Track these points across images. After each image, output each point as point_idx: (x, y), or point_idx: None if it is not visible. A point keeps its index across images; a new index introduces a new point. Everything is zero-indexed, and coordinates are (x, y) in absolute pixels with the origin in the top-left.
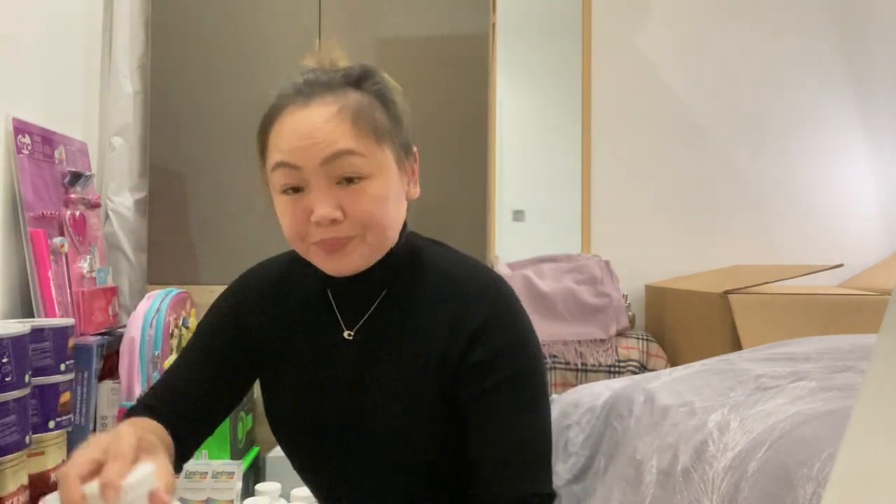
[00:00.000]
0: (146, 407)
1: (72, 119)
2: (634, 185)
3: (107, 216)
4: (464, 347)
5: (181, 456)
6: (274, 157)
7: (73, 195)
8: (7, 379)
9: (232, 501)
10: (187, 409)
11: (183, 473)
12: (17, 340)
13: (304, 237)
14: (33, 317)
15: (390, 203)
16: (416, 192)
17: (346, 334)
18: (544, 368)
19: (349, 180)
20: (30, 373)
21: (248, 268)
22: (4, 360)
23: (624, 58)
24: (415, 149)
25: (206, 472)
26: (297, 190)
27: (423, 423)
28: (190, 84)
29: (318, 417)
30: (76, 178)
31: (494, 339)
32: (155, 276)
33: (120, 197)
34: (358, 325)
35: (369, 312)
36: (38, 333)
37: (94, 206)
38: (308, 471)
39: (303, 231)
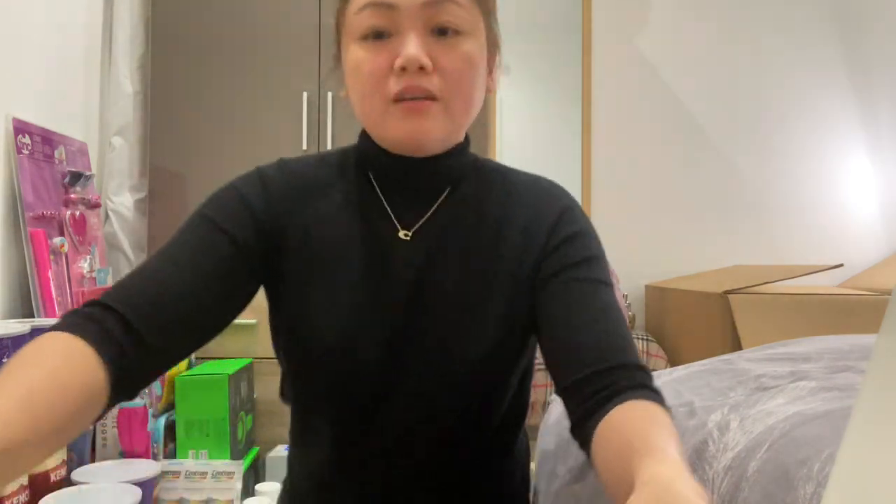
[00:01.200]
0: (86, 315)
1: (72, 119)
2: (634, 185)
3: (107, 216)
4: (548, 233)
5: (137, 371)
6: None
7: (73, 195)
8: None
9: (232, 501)
10: (161, 307)
11: (183, 473)
12: (17, 340)
13: (382, 89)
14: (33, 317)
15: (479, 73)
16: (494, 85)
17: (402, 234)
18: None
19: (443, 32)
20: None
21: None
22: (5, 360)
23: (624, 58)
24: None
25: (206, 473)
26: (380, 36)
27: (492, 337)
28: (190, 84)
29: (366, 335)
30: (76, 178)
31: (578, 220)
32: None
33: (120, 197)
34: (417, 226)
35: (430, 212)
36: (38, 333)
37: (94, 206)
38: (330, 411)
39: (382, 80)
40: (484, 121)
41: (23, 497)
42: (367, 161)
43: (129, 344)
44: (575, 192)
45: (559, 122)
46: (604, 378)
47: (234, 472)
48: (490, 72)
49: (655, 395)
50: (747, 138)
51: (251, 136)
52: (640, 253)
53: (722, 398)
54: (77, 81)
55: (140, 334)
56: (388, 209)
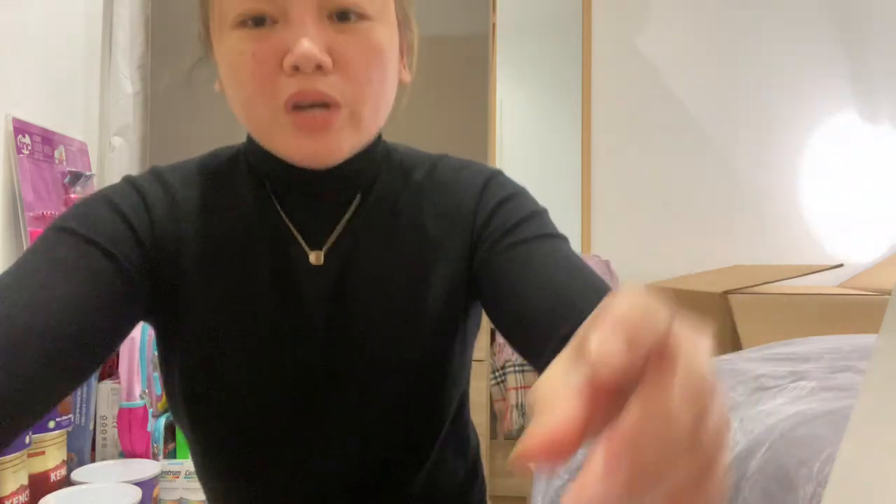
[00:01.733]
0: None
1: (72, 119)
2: (634, 185)
3: None
4: (473, 211)
5: None
6: None
7: (73, 195)
8: None
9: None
10: (17, 348)
11: (183, 473)
12: None
13: (269, 93)
14: None
15: (390, 65)
16: (408, 75)
17: (311, 257)
18: None
19: (344, 16)
20: None
21: (152, 166)
22: None
23: (624, 58)
24: (414, 23)
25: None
26: (261, 22)
27: (428, 342)
28: (190, 84)
29: (276, 382)
30: (76, 178)
31: (505, 186)
32: None
33: None
34: (328, 245)
35: (341, 225)
36: None
37: None
38: (233, 455)
39: (268, 82)
40: (484, 121)
41: (23, 497)
42: (261, 170)
43: None
44: (575, 191)
45: (559, 122)
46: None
47: None
48: (402, 57)
49: None
50: (747, 138)
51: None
52: (640, 252)
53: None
54: (77, 81)
55: None
56: (292, 228)
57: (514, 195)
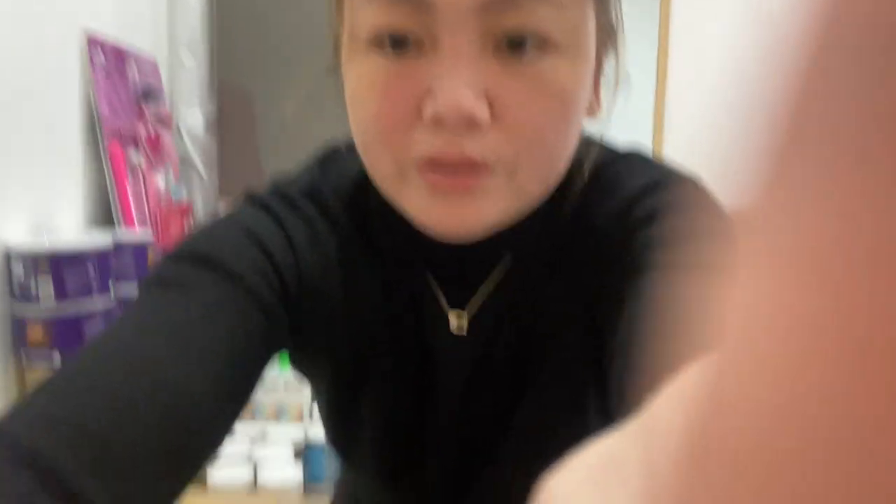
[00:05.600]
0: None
1: (141, 33)
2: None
3: (178, 133)
4: (610, 242)
5: None
6: None
7: (145, 112)
8: (93, 290)
9: (301, 408)
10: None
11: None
12: (101, 254)
13: (400, 145)
14: (114, 226)
15: (573, 116)
16: (598, 107)
17: (454, 327)
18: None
19: (516, 46)
20: (114, 284)
21: (278, 178)
22: (90, 273)
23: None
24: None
25: (278, 381)
26: (401, 44)
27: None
28: None
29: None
30: (148, 94)
31: (660, 196)
32: (226, 194)
33: (190, 113)
34: (472, 315)
35: (489, 294)
36: (120, 247)
37: (166, 123)
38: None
39: (399, 131)
40: None
41: None
42: (387, 231)
43: None
44: (645, 133)
45: (631, 42)
46: None
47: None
48: (595, 87)
49: None
50: None
51: (321, 52)
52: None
53: None
54: None
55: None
56: (436, 293)
57: (665, 208)
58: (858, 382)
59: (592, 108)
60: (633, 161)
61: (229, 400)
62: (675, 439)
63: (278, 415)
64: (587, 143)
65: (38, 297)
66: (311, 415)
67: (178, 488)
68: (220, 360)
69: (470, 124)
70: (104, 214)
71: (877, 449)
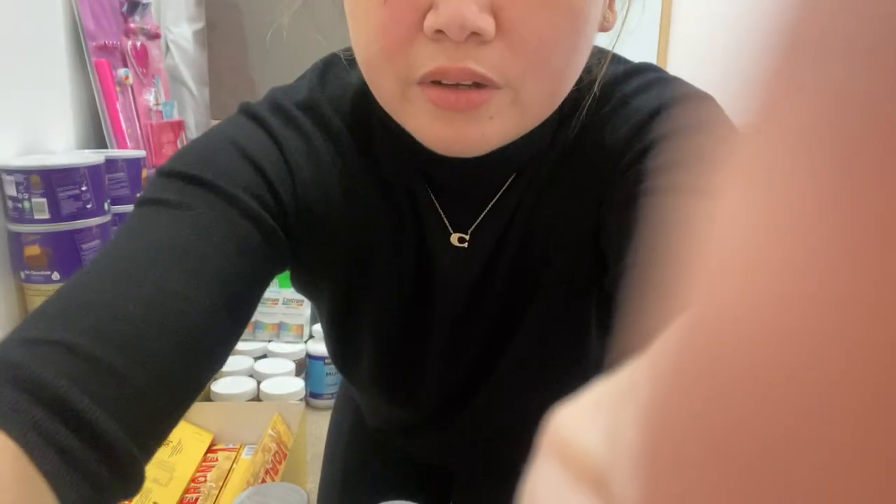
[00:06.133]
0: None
1: None
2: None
3: (167, 48)
4: (619, 154)
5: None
6: None
7: (132, 24)
8: (88, 206)
9: (302, 326)
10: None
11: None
12: (93, 170)
13: (401, 60)
14: (106, 148)
15: (583, 29)
16: (613, 18)
17: (454, 239)
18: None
19: None
20: (108, 201)
21: (276, 89)
22: (83, 189)
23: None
24: None
25: (278, 300)
26: None
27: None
28: None
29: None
30: (134, 6)
31: (672, 117)
32: (218, 110)
33: (178, 27)
34: (474, 226)
35: (490, 205)
36: (112, 164)
37: (153, 36)
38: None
39: (401, 45)
40: None
41: None
42: (393, 144)
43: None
44: (650, 47)
45: None
46: None
47: (303, 301)
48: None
49: None
50: None
51: None
52: None
53: None
54: None
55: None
56: (437, 205)
57: (677, 130)
58: (841, 325)
59: (607, 22)
60: (646, 78)
61: (230, 317)
62: (665, 371)
63: (279, 332)
64: (598, 58)
65: (32, 215)
66: (310, 333)
67: (183, 408)
68: (220, 278)
69: (474, 38)
70: (96, 136)
71: (857, 378)
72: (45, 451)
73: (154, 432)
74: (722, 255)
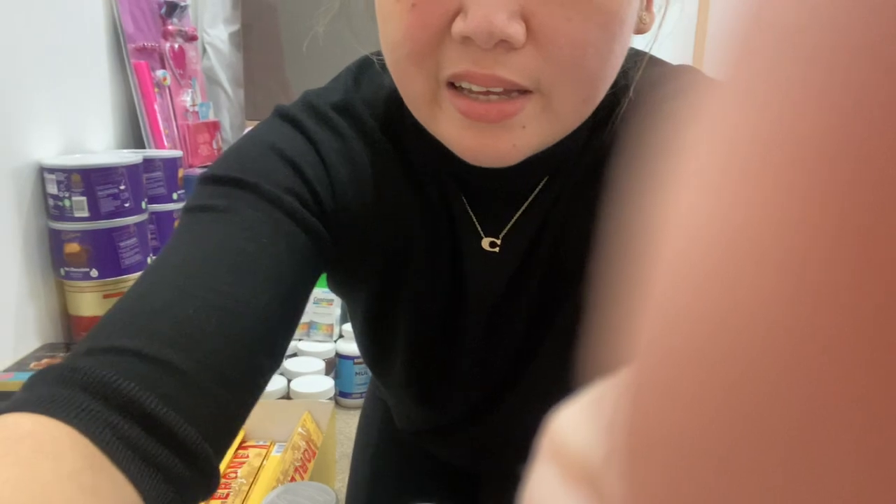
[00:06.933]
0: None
1: None
2: None
3: (204, 50)
4: None
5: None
6: None
7: (170, 27)
8: (126, 205)
9: (332, 325)
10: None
11: None
12: (131, 169)
13: (428, 63)
14: (144, 148)
15: (619, 32)
16: (651, 20)
17: (485, 243)
18: None
19: None
20: (146, 200)
21: (310, 91)
22: (122, 188)
23: None
24: None
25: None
26: None
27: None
28: None
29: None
30: (172, 8)
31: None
32: (253, 111)
33: (215, 29)
34: (505, 231)
35: (522, 209)
36: (150, 164)
37: (191, 38)
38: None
39: (428, 48)
40: None
41: None
42: (422, 148)
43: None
44: (687, 46)
45: None
46: None
47: (332, 300)
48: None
49: None
50: None
51: None
52: None
53: None
54: None
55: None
56: (469, 208)
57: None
58: (794, 293)
59: (643, 24)
60: (683, 81)
61: (285, 315)
62: (641, 374)
63: (309, 331)
64: (634, 60)
65: (72, 213)
66: (340, 332)
67: (248, 406)
68: (272, 277)
69: (502, 46)
70: (135, 136)
71: (808, 354)
72: (124, 451)
73: (224, 431)
74: (678, 256)
